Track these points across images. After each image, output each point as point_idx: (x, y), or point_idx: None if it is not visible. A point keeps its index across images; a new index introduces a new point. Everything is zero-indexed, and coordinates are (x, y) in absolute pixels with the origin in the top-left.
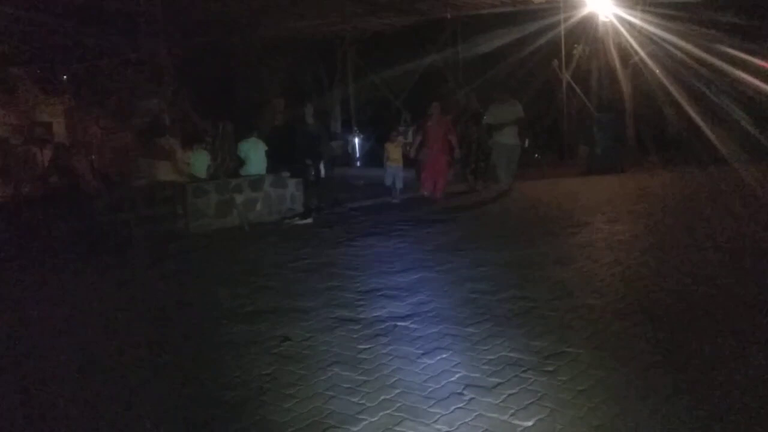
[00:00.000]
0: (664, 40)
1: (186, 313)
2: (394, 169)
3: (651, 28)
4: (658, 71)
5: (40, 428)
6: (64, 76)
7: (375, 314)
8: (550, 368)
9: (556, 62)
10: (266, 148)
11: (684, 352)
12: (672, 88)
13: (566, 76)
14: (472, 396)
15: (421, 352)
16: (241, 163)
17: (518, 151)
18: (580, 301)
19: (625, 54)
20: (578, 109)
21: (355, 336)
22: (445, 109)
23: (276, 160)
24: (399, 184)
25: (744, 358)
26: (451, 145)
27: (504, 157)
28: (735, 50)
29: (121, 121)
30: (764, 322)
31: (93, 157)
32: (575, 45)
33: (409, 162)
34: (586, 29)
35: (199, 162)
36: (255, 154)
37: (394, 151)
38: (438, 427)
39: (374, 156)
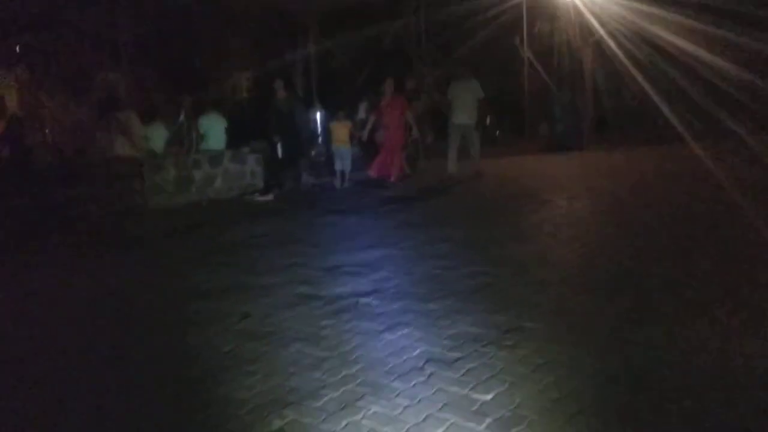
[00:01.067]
0: (625, 18)
1: (145, 291)
2: (341, 151)
3: (612, 6)
4: (618, 49)
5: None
6: (17, 47)
7: (337, 291)
8: (509, 343)
9: (517, 39)
10: (226, 124)
11: (641, 327)
12: (632, 67)
13: (527, 54)
14: (433, 370)
15: (382, 327)
16: (201, 138)
17: (474, 131)
18: (539, 276)
19: (587, 32)
20: (539, 87)
21: (317, 312)
22: (399, 87)
23: (242, 136)
24: (347, 167)
25: (703, 334)
26: (408, 123)
27: (457, 138)
28: (696, 29)
29: (77, 94)
30: (724, 297)
31: (47, 130)
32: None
33: (360, 142)
34: (548, 7)
35: (157, 136)
36: (214, 130)
37: (339, 132)
38: (399, 401)
39: None
